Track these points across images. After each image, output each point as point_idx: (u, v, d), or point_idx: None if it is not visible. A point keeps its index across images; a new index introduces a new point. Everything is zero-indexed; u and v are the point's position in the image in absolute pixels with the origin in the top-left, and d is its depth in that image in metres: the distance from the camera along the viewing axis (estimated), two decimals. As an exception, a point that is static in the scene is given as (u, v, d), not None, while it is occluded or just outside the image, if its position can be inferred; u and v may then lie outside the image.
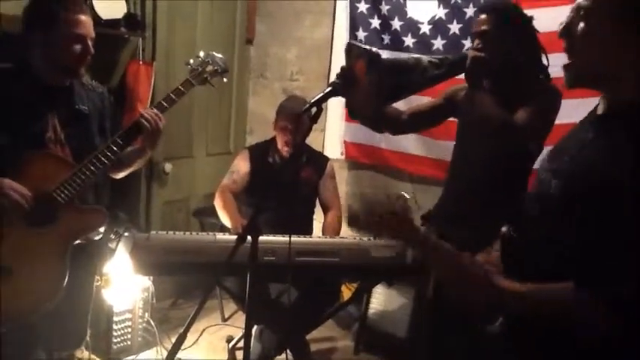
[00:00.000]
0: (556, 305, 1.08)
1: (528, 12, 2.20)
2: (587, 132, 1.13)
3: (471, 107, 2.08)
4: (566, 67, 1.13)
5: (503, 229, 1.22)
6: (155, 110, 2.10)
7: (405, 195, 1.42)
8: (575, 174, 1.08)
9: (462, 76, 2.03)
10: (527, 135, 1.99)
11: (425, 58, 1.95)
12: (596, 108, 1.17)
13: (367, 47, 1.85)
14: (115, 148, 2.02)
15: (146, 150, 2.18)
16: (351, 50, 1.78)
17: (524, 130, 1.96)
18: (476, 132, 2.15)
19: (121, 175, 2.28)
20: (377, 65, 1.77)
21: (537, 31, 2.10)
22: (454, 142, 2.37)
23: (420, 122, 2.40)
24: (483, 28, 2.07)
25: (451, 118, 2.39)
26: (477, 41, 2.08)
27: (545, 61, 2.08)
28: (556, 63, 2.07)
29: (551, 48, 2.08)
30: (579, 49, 1.09)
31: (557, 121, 2.06)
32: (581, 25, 1.08)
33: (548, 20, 2.20)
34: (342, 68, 1.73)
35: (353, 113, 1.94)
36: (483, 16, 2.09)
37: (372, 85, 1.77)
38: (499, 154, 2.07)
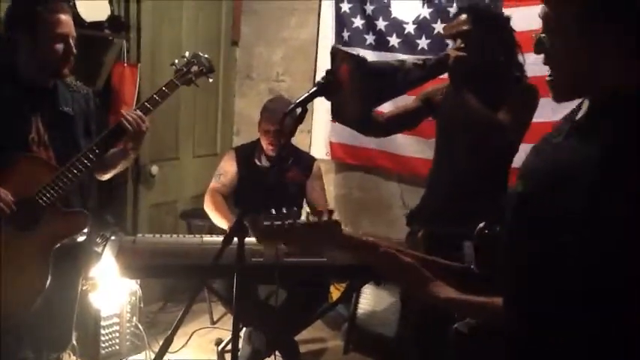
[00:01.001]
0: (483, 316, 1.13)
1: (507, 11, 2.25)
2: (563, 132, 1.09)
3: (454, 107, 2.10)
4: (549, 83, 1.09)
5: (480, 225, 1.22)
6: (138, 112, 2.08)
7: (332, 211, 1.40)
8: (540, 172, 1.05)
9: (445, 76, 2.07)
10: (511, 132, 2.04)
11: (409, 60, 1.98)
12: (576, 109, 1.13)
13: (352, 52, 1.87)
14: (97, 151, 2.01)
15: (129, 152, 2.16)
16: (336, 54, 1.79)
17: (509, 128, 2.01)
18: (460, 131, 2.17)
19: (106, 176, 2.27)
20: (362, 69, 1.78)
21: (514, 30, 2.15)
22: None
23: (398, 125, 2.43)
24: (464, 28, 2.10)
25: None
26: (458, 41, 2.11)
27: (521, 59, 2.15)
28: (536, 62, 2.12)
29: (529, 47, 2.12)
30: (556, 63, 1.06)
31: (538, 120, 2.10)
32: (550, 37, 1.05)
33: (526, 19, 2.23)
34: (327, 72, 1.73)
35: (337, 116, 1.95)
36: (463, 17, 2.13)
37: (357, 89, 1.78)
38: (484, 152, 2.10)
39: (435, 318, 1.27)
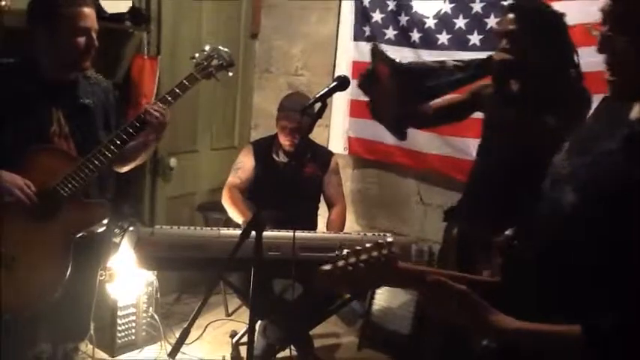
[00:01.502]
0: (559, 349, 1.00)
1: (559, 5, 2.14)
2: (612, 135, 1.03)
3: (497, 108, 2.04)
4: (609, 83, 1.03)
5: (507, 232, 1.17)
6: (160, 104, 2.09)
7: (388, 238, 1.26)
8: (598, 182, 0.99)
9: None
10: (559, 137, 1.95)
11: (450, 61, 1.93)
12: (615, 105, 1.08)
13: (388, 55, 1.86)
14: (118, 142, 2.02)
15: (150, 144, 2.17)
16: (374, 52, 1.79)
17: (556, 133, 1.92)
18: (502, 133, 2.10)
19: (125, 168, 2.28)
20: (397, 73, 1.78)
21: (568, 27, 2.02)
22: (464, 139, 2.35)
23: (445, 116, 2.36)
24: (510, 27, 1.99)
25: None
26: (504, 41, 2.01)
27: (576, 59, 2.01)
28: (587, 59, 2.01)
29: (581, 42, 2.01)
30: (623, 63, 1.00)
31: None
32: (620, 36, 0.98)
33: (577, 13, 2.14)
34: (367, 69, 1.73)
35: (374, 114, 1.94)
36: (511, 16, 2.01)
37: (394, 90, 1.78)
38: (527, 156, 2.01)
39: (458, 334, 1.21)
